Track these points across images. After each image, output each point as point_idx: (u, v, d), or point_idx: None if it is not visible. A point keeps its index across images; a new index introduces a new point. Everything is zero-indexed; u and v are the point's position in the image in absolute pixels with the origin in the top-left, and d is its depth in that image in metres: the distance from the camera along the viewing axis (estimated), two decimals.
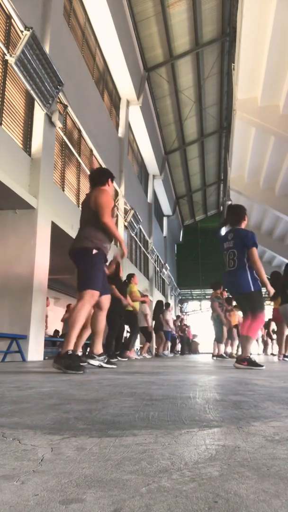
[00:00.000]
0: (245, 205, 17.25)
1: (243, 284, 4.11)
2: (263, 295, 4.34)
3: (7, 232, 6.21)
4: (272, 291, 4.29)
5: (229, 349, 10.15)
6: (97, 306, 3.61)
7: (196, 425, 0.99)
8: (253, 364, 3.99)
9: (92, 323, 3.70)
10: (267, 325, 15.09)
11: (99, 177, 3.71)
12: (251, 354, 4.28)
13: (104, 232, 3.43)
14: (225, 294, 9.04)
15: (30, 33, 5.65)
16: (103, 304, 3.65)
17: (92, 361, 3.66)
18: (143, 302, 8.78)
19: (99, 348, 3.74)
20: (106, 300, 3.68)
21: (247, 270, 4.12)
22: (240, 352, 4.62)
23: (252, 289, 4.10)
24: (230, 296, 7.74)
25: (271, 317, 9.20)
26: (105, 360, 3.77)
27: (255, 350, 19.42)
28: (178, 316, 17.83)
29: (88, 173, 9.00)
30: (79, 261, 3.39)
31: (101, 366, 3.67)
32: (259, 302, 4.19)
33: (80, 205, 3.75)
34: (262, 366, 3.99)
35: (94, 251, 3.34)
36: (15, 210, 6.22)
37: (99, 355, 3.72)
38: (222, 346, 8.87)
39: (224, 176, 22.80)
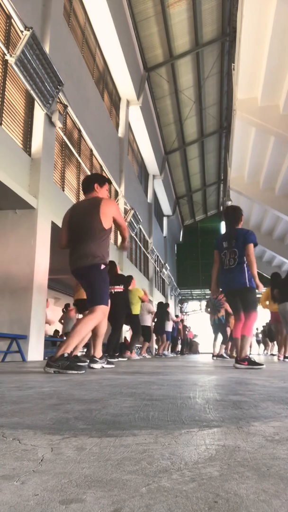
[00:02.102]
0: (245, 205, 17.28)
1: (240, 279, 4.19)
2: (257, 295, 4.38)
3: (7, 232, 6.21)
4: (261, 285, 4.27)
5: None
6: None
7: (196, 425, 0.99)
8: (253, 363, 4.00)
9: (95, 327, 3.68)
10: (268, 326, 15.10)
11: (95, 181, 3.59)
12: (250, 354, 4.30)
13: (105, 247, 3.41)
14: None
15: (30, 33, 5.65)
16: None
17: (94, 365, 3.64)
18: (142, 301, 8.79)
19: (100, 351, 3.74)
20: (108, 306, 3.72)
21: (245, 267, 4.21)
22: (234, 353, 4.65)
23: (248, 285, 4.17)
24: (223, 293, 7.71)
25: (270, 318, 9.18)
26: (105, 362, 3.77)
27: (255, 351, 19.44)
28: (177, 316, 17.86)
29: (88, 173, 9.01)
30: (89, 278, 3.36)
31: (102, 368, 3.68)
32: (252, 300, 4.25)
33: (74, 215, 3.58)
34: (263, 365, 4.01)
35: (103, 266, 3.35)
36: (15, 210, 6.22)
37: (100, 358, 3.72)
38: (223, 346, 8.86)
39: (224, 176, 22.80)
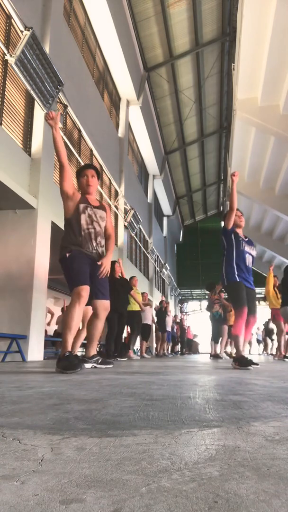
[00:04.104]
0: (245, 205, 17.25)
1: (221, 277, 4.22)
2: (238, 289, 4.14)
3: (7, 232, 6.21)
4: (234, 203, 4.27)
5: (228, 349, 10.13)
6: (93, 314, 3.55)
7: (196, 425, 0.99)
8: (242, 364, 3.89)
9: (88, 328, 3.68)
10: (266, 325, 15.11)
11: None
12: (250, 354, 4.26)
13: (68, 234, 3.43)
14: (222, 295, 9.02)
15: (30, 33, 5.64)
16: (98, 311, 3.50)
17: (85, 365, 3.63)
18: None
19: (91, 351, 3.72)
20: (101, 306, 3.50)
21: (223, 263, 4.23)
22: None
23: (225, 283, 4.16)
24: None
25: (269, 317, 9.17)
26: (99, 361, 3.75)
27: (255, 351, 19.43)
28: (175, 316, 17.87)
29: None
30: (63, 272, 3.44)
31: (94, 367, 3.66)
32: (233, 297, 4.17)
33: None
34: (250, 366, 3.83)
35: (68, 255, 3.35)
36: (15, 210, 6.22)
37: (91, 357, 3.71)
38: (218, 346, 8.83)
39: (224, 176, 22.81)
